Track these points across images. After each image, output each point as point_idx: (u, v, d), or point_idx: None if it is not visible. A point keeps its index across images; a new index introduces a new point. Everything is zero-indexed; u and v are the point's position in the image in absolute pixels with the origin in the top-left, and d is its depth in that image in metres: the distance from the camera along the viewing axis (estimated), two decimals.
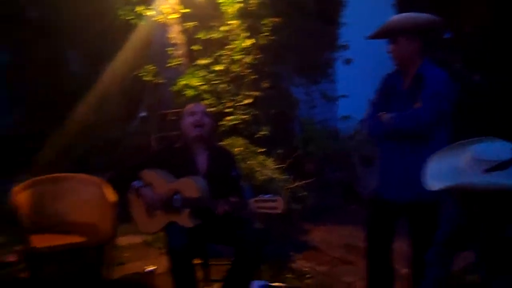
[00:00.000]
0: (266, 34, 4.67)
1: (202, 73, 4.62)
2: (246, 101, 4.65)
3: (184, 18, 4.63)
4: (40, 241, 3.22)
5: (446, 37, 5.61)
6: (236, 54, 4.61)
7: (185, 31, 4.70)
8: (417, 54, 2.70)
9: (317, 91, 5.92)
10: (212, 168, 3.04)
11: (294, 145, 5.44)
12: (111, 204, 3.45)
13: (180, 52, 4.73)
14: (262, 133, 4.66)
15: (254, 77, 4.71)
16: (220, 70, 4.65)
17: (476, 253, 2.23)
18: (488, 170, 1.89)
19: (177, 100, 4.57)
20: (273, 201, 2.63)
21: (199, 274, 3.02)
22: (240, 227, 2.90)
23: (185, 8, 4.58)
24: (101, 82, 5.63)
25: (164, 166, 3.04)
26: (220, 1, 4.58)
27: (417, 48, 2.69)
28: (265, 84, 4.83)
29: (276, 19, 4.70)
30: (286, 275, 3.73)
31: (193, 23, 4.64)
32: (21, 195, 3.48)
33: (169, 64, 4.71)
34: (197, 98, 4.45)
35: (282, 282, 3.51)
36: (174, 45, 4.72)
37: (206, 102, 4.42)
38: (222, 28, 4.63)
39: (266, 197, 2.66)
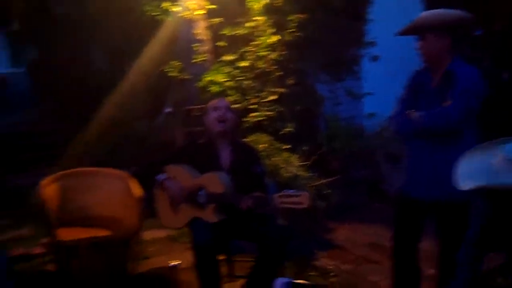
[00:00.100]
0: (292, 30, 4.63)
1: (227, 69, 4.62)
2: (271, 98, 4.63)
3: (210, 14, 4.62)
4: (66, 234, 3.26)
5: (476, 34, 5.50)
6: (261, 50, 4.59)
7: (210, 27, 4.69)
8: (446, 51, 2.65)
9: (343, 88, 5.86)
10: (235, 163, 3.05)
11: (319, 142, 5.42)
12: (137, 198, 3.48)
13: (205, 48, 4.74)
14: (287, 129, 4.63)
15: (279, 73, 4.69)
16: (245, 67, 4.64)
17: (506, 254, 2.18)
18: None
19: (202, 96, 4.59)
20: (298, 196, 2.60)
21: (223, 270, 3.02)
22: (264, 223, 2.90)
23: (211, 4, 4.58)
24: (127, 78, 5.69)
25: (189, 162, 3.05)
26: None
27: (446, 45, 2.64)
28: (290, 81, 4.81)
29: (302, 15, 4.66)
30: (310, 273, 3.71)
31: (219, 19, 4.63)
32: (49, 189, 3.51)
33: (194, 60, 4.73)
34: (222, 94, 4.45)
35: (306, 280, 3.48)
36: (199, 41, 4.74)
37: (231, 98, 4.41)
38: (247, 24, 4.62)
39: (291, 192, 2.63)
